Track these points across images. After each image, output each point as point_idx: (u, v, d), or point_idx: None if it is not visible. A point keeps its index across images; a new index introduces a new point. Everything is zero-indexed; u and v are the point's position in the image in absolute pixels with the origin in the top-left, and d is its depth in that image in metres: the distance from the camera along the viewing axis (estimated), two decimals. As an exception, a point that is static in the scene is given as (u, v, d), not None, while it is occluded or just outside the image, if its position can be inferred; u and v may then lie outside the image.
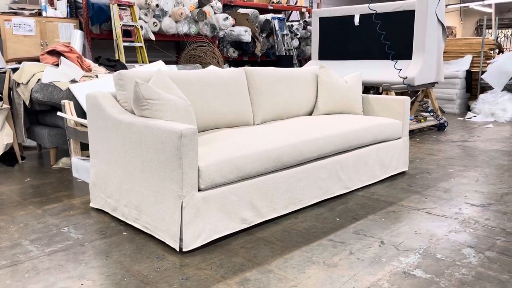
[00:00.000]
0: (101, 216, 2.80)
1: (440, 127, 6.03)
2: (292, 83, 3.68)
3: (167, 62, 8.12)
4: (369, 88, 9.02)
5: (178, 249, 2.26)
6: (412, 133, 5.85)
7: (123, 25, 6.44)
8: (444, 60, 8.41)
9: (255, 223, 2.58)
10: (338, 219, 2.73)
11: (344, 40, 6.68)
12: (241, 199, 2.46)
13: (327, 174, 2.99)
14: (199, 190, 2.28)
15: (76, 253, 2.27)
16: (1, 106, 4.06)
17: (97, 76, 4.26)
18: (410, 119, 5.96)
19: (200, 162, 2.28)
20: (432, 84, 6.07)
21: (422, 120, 5.99)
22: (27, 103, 3.93)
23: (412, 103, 7.30)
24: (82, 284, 1.96)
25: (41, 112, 4.27)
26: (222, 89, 3.14)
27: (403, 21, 5.90)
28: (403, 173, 3.81)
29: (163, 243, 2.39)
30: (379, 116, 3.79)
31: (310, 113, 3.86)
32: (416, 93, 7.33)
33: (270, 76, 3.53)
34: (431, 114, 6.07)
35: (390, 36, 6.00)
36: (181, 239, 2.25)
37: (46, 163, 4.25)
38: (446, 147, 4.92)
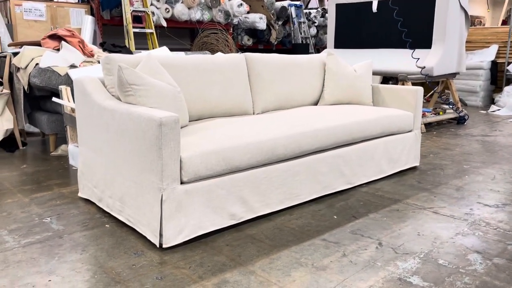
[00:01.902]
0: (88, 207, 2.68)
1: (460, 121, 5.73)
2: (296, 71, 3.48)
3: (180, 49, 7.98)
4: (389, 79, 8.70)
5: (158, 245, 2.12)
6: (429, 126, 5.57)
7: (133, 10, 6.32)
8: (468, 49, 8.03)
9: (246, 219, 2.41)
10: (336, 217, 2.54)
11: (361, 27, 6.40)
12: (229, 193, 2.30)
13: (327, 168, 2.80)
14: (182, 182, 2.13)
15: (52, 245, 2.16)
16: (1, 91, 3.99)
17: (98, 62, 4.15)
18: (428, 111, 5.67)
19: (183, 153, 2.12)
20: (453, 75, 5.76)
21: (441, 113, 5.69)
22: (26, 88, 3.84)
23: (431, 95, 6.98)
24: (49, 280, 1.84)
25: (42, 98, 4.19)
26: (219, 76, 2.97)
27: (423, 8, 5.58)
28: (414, 168, 3.58)
29: (145, 237, 2.26)
30: (389, 107, 3.56)
31: (316, 103, 3.65)
32: (436, 84, 7.01)
33: (273, 63, 3.33)
34: (451, 106, 5.76)
35: (409, 24, 5.70)
36: (161, 235, 2.11)
37: (47, 149, 4.18)
38: (464, 141, 4.64)
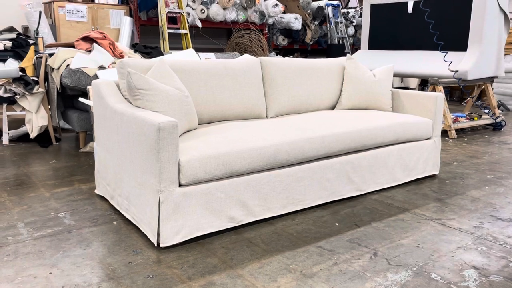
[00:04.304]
0: (101, 203, 2.83)
1: (496, 127, 5.49)
2: (314, 75, 3.48)
3: (214, 49, 8.12)
4: (427, 81, 8.45)
5: (156, 244, 2.21)
6: (462, 132, 5.38)
7: (168, 12, 6.50)
8: (513, 52, 7.65)
9: (246, 222, 2.46)
10: (337, 224, 2.54)
11: (396, 28, 6.26)
12: (229, 196, 2.36)
13: (334, 175, 2.79)
14: (180, 185, 2.21)
15: (61, 239, 2.30)
16: (37, 90, 4.25)
17: (127, 63, 4.31)
18: (462, 117, 5.48)
19: (182, 156, 2.20)
20: (490, 79, 5.52)
21: (476, 118, 5.48)
22: (58, 87, 4.07)
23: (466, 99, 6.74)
24: (50, 273, 1.97)
25: (74, 97, 4.42)
26: (231, 80, 3.03)
27: (459, 9, 5.39)
28: (432, 176, 3.49)
29: (146, 236, 2.36)
30: (408, 113, 3.50)
31: (333, 107, 3.64)
32: (472, 88, 6.76)
33: (289, 67, 3.35)
34: (487, 111, 5.54)
35: (444, 26, 5.52)
36: (159, 234, 2.20)
37: (78, 146, 4.40)
38: (494, 149, 4.46)
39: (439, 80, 5.01)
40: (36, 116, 4.27)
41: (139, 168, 2.29)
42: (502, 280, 1.95)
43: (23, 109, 4.29)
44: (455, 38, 5.43)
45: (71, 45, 4.44)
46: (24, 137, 4.61)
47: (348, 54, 3.64)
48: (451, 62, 5.11)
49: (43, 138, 4.45)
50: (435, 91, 5.06)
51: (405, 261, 2.11)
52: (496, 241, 2.34)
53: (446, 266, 2.07)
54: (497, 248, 2.27)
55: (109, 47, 4.32)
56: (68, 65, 3.96)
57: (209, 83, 2.93)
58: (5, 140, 4.38)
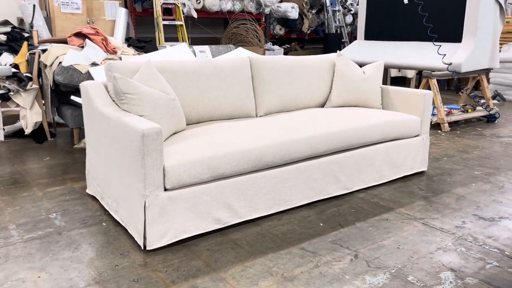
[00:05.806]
0: (92, 204, 2.88)
1: (490, 119, 5.50)
2: (303, 73, 3.50)
3: (211, 40, 8.10)
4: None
5: (142, 247, 2.27)
6: (455, 124, 5.40)
7: (163, 3, 6.48)
8: (509, 41, 7.61)
9: (232, 224, 2.52)
10: (322, 224, 2.59)
11: (392, 19, 6.23)
12: (215, 199, 2.41)
13: (321, 174, 2.84)
14: (166, 189, 2.26)
15: (50, 242, 2.36)
16: (31, 86, 4.28)
17: (120, 59, 4.33)
18: (456, 109, 5.49)
19: (167, 161, 2.24)
20: (485, 71, 5.52)
21: (469, 110, 5.49)
22: (51, 84, 4.10)
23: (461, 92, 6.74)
24: (39, 277, 2.03)
25: (68, 93, 4.45)
26: (219, 80, 3.05)
27: (454, 0, 5.35)
28: (421, 173, 3.53)
29: (134, 238, 2.41)
30: (397, 111, 3.52)
31: (323, 105, 3.66)
32: (467, 80, 6.75)
33: (278, 65, 3.37)
34: (481, 103, 5.55)
35: (438, 17, 5.49)
36: (145, 238, 2.26)
37: (73, 141, 4.45)
38: (486, 143, 4.49)
39: (433, 72, 5.01)
40: (30, 112, 4.31)
41: (125, 172, 2.33)
42: (478, 283, 2.01)
43: (18, 105, 4.33)
44: (450, 30, 5.41)
45: (64, 41, 4.45)
46: (20, 132, 4.65)
47: (338, 51, 3.65)
48: (445, 55, 5.10)
49: (38, 134, 4.50)
50: (429, 84, 5.06)
51: (384, 263, 2.17)
52: (476, 242, 2.39)
53: (424, 268, 2.12)
54: (476, 249, 2.32)
55: (102, 43, 4.33)
56: (60, 62, 3.98)
57: (198, 83, 2.96)
58: (1, 136, 4.42)
